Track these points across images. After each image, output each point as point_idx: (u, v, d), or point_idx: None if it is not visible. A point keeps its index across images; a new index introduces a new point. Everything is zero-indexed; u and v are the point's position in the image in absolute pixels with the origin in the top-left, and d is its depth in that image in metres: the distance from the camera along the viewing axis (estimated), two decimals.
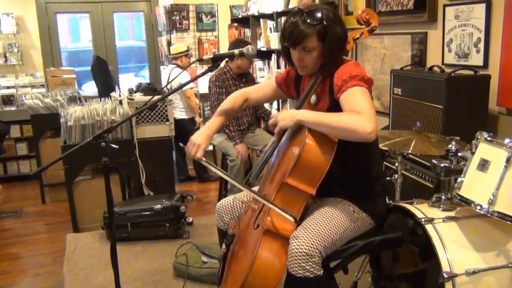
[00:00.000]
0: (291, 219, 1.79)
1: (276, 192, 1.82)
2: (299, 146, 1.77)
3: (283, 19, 4.70)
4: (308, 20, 1.82)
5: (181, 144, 4.19)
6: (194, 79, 2.09)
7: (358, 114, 1.69)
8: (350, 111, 1.73)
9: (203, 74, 2.07)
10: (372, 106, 1.73)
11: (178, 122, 5.00)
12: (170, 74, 5.03)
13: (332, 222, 1.83)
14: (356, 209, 1.92)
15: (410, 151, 2.28)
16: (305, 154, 1.77)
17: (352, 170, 1.95)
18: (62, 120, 3.83)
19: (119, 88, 5.44)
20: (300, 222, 1.84)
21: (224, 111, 2.14)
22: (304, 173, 1.79)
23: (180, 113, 5.03)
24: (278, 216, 1.80)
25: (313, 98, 1.98)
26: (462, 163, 1.99)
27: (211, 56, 2.00)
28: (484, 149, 1.83)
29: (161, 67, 6.72)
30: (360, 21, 2.05)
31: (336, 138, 1.79)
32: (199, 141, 1.97)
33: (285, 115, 1.84)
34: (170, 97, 4.91)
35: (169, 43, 6.04)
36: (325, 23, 1.82)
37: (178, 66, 5.09)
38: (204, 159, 1.94)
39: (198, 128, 4.27)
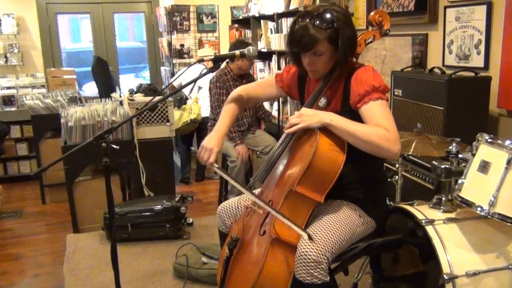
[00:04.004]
0: (301, 232, 1.72)
1: (283, 199, 1.76)
2: (310, 151, 1.69)
3: (283, 20, 4.70)
4: (319, 24, 1.73)
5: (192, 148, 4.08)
6: (195, 80, 2.08)
7: (387, 131, 1.67)
8: (377, 126, 1.69)
9: (204, 75, 2.07)
10: (395, 123, 1.72)
11: (203, 119, 5.00)
12: (201, 72, 5.04)
13: (340, 228, 1.79)
14: (363, 214, 1.89)
15: (410, 153, 2.27)
16: (316, 161, 1.69)
17: (360, 174, 1.91)
18: (62, 120, 3.83)
19: (119, 89, 5.44)
20: (306, 226, 1.80)
21: (228, 111, 2.07)
22: (314, 181, 1.72)
23: (207, 111, 5.02)
24: (286, 224, 1.73)
25: (322, 101, 1.91)
26: (463, 164, 1.99)
27: (212, 57, 2.00)
28: (484, 151, 1.83)
29: (164, 67, 6.72)
30: (372, 23, 1.98)
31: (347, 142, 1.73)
32: (211, 145, 1.88)
33: (310, 115, 1.74)
34: (200, 95, 5.13)
35: (169, 44, 6.05)
36: (335, 25, 1.74)
37: (205, 67, 5.14)
38: (216, 165, 1.87)
39: None
